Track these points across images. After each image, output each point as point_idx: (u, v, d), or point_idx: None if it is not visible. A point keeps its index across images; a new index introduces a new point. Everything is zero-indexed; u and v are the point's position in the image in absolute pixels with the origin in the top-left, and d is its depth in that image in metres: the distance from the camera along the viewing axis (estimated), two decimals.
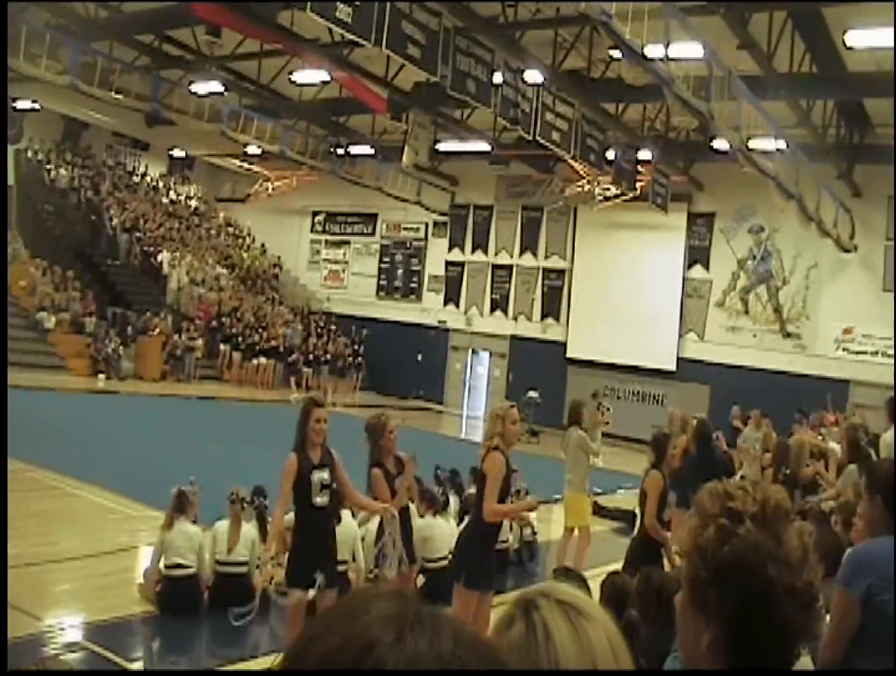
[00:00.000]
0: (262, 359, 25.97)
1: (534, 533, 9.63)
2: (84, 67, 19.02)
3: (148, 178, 32.54)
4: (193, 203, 33.46)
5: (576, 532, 8.97)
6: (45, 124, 28.86)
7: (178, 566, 6.36)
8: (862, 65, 15.34)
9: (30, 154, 28.83)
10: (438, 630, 0.76)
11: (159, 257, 28.00)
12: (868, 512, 3.41)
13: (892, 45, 12.87)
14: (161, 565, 6.48)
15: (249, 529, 6.83)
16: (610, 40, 11.08)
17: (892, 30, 12.18)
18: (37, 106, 26.36)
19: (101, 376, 21.82)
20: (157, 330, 24.38)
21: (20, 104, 26.66)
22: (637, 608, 4.17)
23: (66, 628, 5.84)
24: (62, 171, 29.07)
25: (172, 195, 32.88)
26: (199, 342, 25.36)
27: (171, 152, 31.70)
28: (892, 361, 19.74)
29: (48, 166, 28.88)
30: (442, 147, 22.59)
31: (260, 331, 26.75)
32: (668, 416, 12.15)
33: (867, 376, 19.97)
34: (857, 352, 20.97)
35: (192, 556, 6.47)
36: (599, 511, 11.77)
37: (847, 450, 8.67)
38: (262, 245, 33.18)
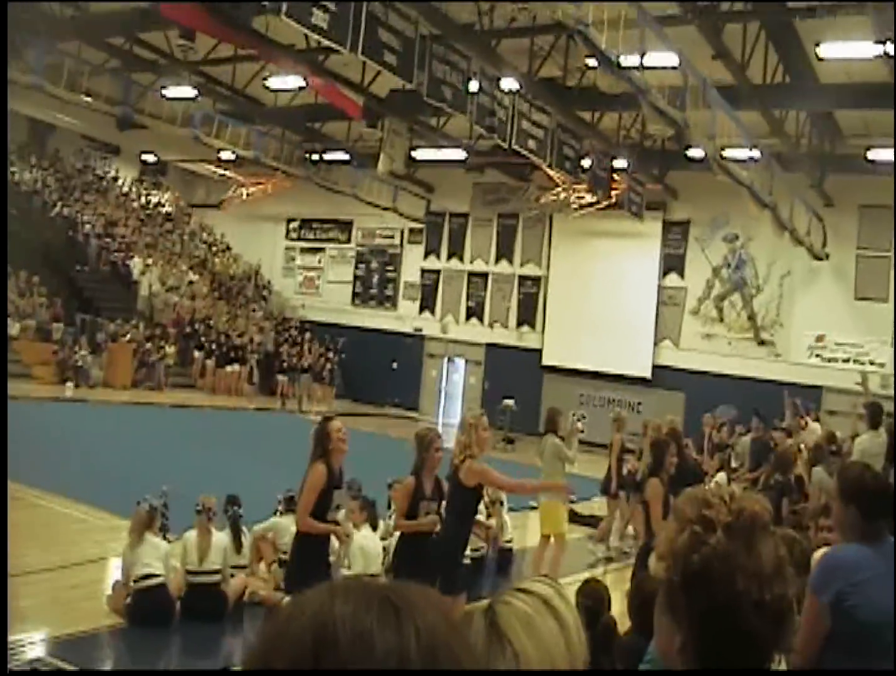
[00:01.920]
0: (236, 367, 25.84)
1: (509, 541, 9.66)
2: (50, 68, 18.87)
3: (119, 183, 32.31)
4: (166, 208, 33.27)
5: (552, 539, 9.01)
6: (10, 127, 28.53)
7: (148, 577, 6.30)
8: (833, 76, 15.56)
9: None
10: (403, 627, 0.75)
11: (131, 263, 27.79)
12: (839, 517, 3.47)
13: (862, 56, 13.07)
14: (130, 576, 6.41)
15: (221, 538, 6.79)
16: (586, 49, 11.16)
17: (862, 43, 12.36)
18: None
19: (69, 384, 21.57)
20: (128, 337, 24.17)
21: None
22: (629, 615, 4.18)
23: (29, 644, 5.73)
24: (27, 174, 28.77)
25: (144, 200, 32.66)
26: (172, 349, 25.20)
27: (143, 157, 31.46)
28: (863, 368, 19.97)
29: (13, 169, 28.56)
30: (418, 154, 22.64)
31: (234, 338, 26.64)
32: (642, 424, 12.29)
33: (839, 383, 20.18)
34: (830, 359, 21.23)
35: (161, 566, 6.42)
36: (575, 518, 11.82)
37: (811, 454, 8.81)
38: (229, 248, 33.05)
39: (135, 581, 6.33)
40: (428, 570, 5.36)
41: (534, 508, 10.18)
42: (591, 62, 13.30)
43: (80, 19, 18.24)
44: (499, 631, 1.24)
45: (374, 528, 7.57)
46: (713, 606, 1.35)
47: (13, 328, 22.59)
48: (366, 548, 7.24)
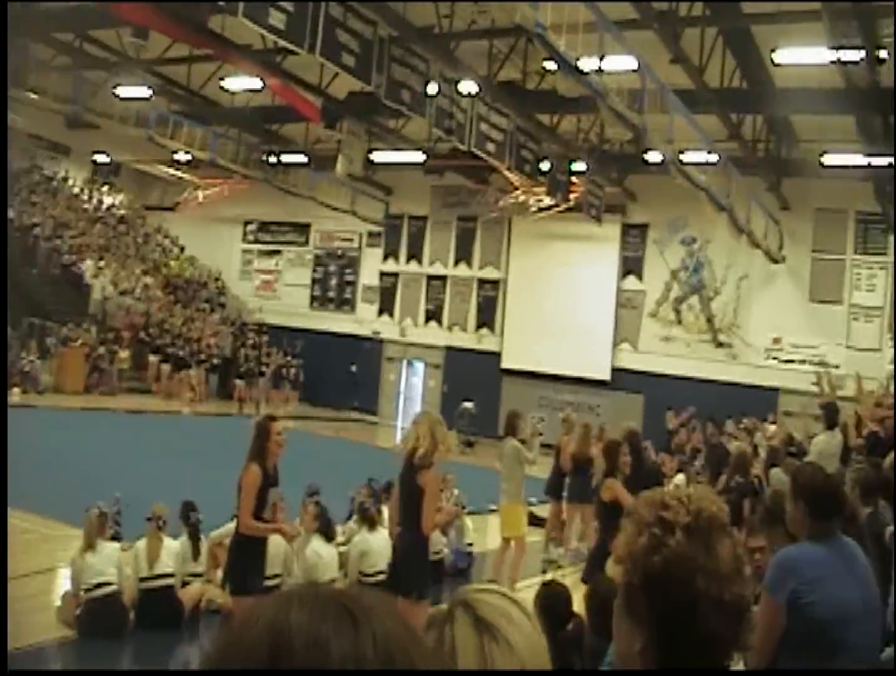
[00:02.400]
0: (193, 371, 25.60)
1: (470, 544, 9.68)
2: None
3: (70, 184, 31.81)
4: (119, 210, 32.83)
5: (512, 542, 9.04)
6: None
7: (99, 585, 6.20)
8: (789, 81, 15.83)
9: None
10: (360, 633, 0.75)
11: (82, 266, 27.40)
12: (792, 516, 3.53)
13: (817, 62, 13.31)
14: (80, 585, 6.29)
15: (173, 544, 6.71)
16: (545, 52, 11.23)
17: (817, 49, 12.58)
18: None
19: (17, 390, 21.18)
20: (80, 341, 23.83)
21: None
22: (586, 618, 4.22)
23: None
24: None
25: (97, 202, 32.17)
26: (126, 353, 24.88)
27: (94, 157, 31.01)
28: (817, 369, 20.33)
29: None
30: (376, 157, 22.61)
31: (190, 342, 26.38)
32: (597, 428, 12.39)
33: (795, 384, 20.51)
34: (786, 361, 21.56)
35: (114, 573, 6.31)
36: (535, 521, 11.88)
37: (768, 455, 8.96)
38: (184, 251, 32.74)
39: (86, 591, 6.22)
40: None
41: (494, 511, 10.21)
42: (550, 65, 13.40)
43: (28, 15, 17.95)
44: (486, 623, 1.23)
45: (329, 538, 7.53)
46: (674, 607, 1.36)
47: None
48: (319, 555, 7.21)
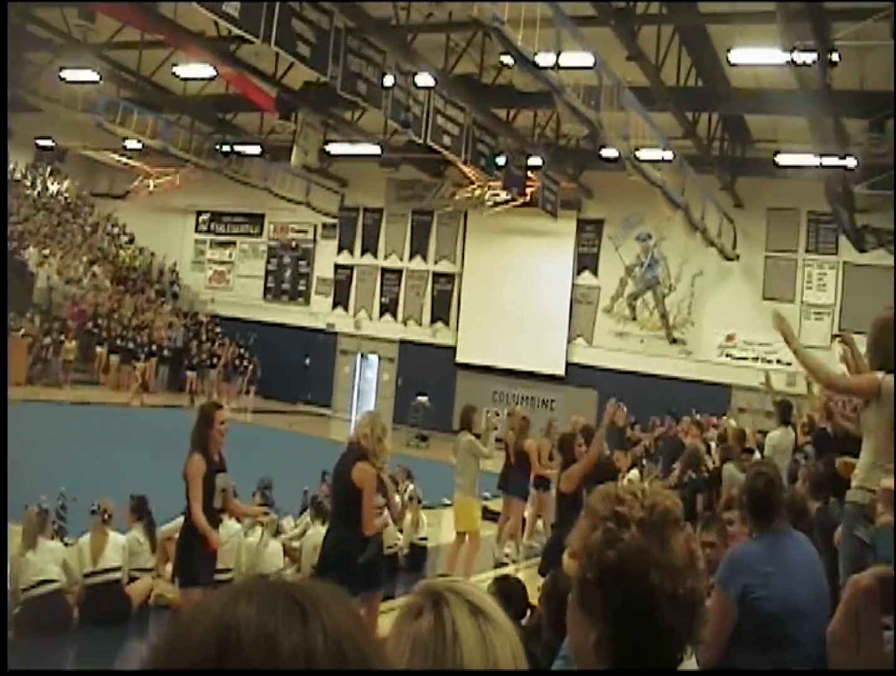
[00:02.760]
0: (143, 363, 25.27)
1: (424, 538, 9.70)
2: None
3: (11, 169, 31.10)
4: (65, 197, 32.25)
5: (466, 536, 9.08)
6: None
7: (42, 583, 6.06)
8: (744, 81, 16.05)
9: None
10: (309, 626, 0.75)
11: (25, 253, 26.86)
12: (744, 514, 3.61)
13: (771, 63, 13.50)
14: (19, 586, 6.17)
15: (119, 538, 6.61)
16: (501, 46, 11.26)
17: (771, 50, 12.77)
18: None
19: None
20: (22, 331, 23.39)
21: None
22: (542, 611, 4.25)
23: None
24: None
25: (41, 188, 31.54)
26: (72, 344, 24.47)
27: (38, 142, 30.35)
28: (770, 367, 20.72)
29: None
30: (332, 148, 22.50)
31: (140, 333, 26.06)
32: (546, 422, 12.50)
33: (748, 381, 20.85)
34: (739, 358, 21.90)
35: (57, 570, 6.20)
36: (489, 515, 11.93)
37: (721, 451, 9.10)
38: (133, 240, 32.31)
39: (24, 590, 6.09)
40: None
41: (448, 506, 10.24)
42: (507, 60, 13.42)
43: None
44: (479, 608, 1.25)
45: (273, 533, 7.50)
46: (629, 601, 1.37)
47: None
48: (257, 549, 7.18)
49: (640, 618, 1.37)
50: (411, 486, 10.01)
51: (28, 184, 31.17)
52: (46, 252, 27.44)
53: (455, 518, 9.21)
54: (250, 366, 27.48)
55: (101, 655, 6.18)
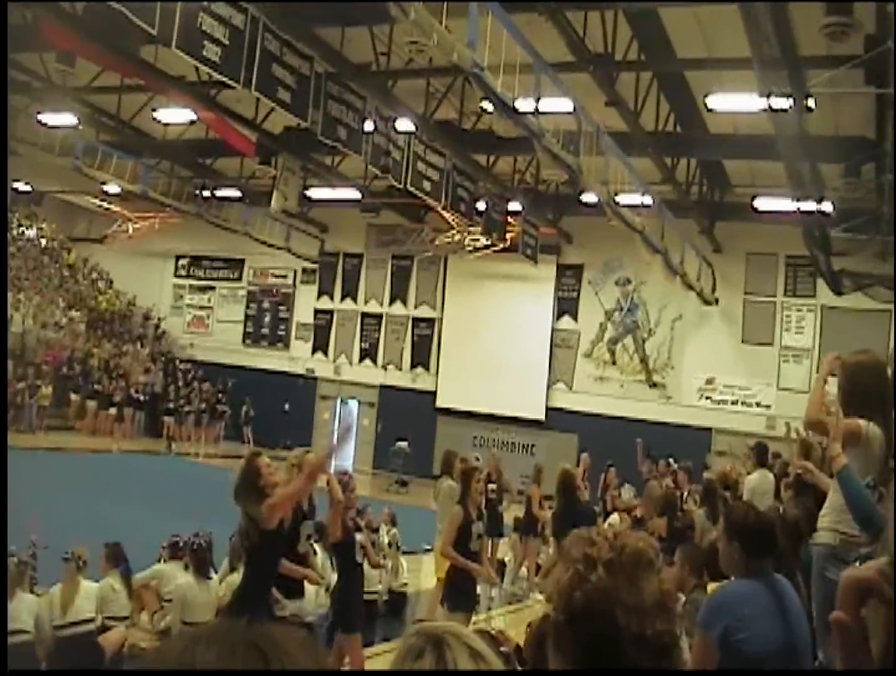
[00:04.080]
0: (120, 408, 25.05)
1: (404, 584, 9.60)
2: None
3: None
4: (42, 241, 32.14)
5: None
6: None
7: (15, 633, 5.94)
8: (722, 127, 16.31)
9: None
10: (270, 668, 0.75)
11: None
12: (725, 554, 3.59)
13: (748, 109, 13.75)
14: None
15: (92, 587, 6.50)
16: (481, 92, 11.40)
17: (748, 95, 13.00)
18: None
19: None
20: None
21: None
22: (529, 656, 4.19)
23: None
24: None
25: (17, 231, 31.43)
26: (47, 390, 24.24)
27: (15, 185, 30.31)
28: (750, 410, 20.85)
29: None
30: (312, 193, 22.59)
31: (117, 378, 25.87)
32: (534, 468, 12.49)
33: (728, 424, 20.92)
34: (719, 401, 21.98)
35: (30, 621, 6.08)
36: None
37: (702, 496, 9.09)
38: (112, 284, 32.20)
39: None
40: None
41: (429, 551, 10.16)
42: (487, 105, 13.59)
43: None
44: (478, 651, 1.25)
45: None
46: (595, 641, 1.38)
47: None
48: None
49: (606, 658, 1.38)
50: (392, 531, 9.93)
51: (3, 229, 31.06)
52: (21, 296, 27.28)
53: (436, 563, 9.12)
54: (228, 412, 27.32)
55: None
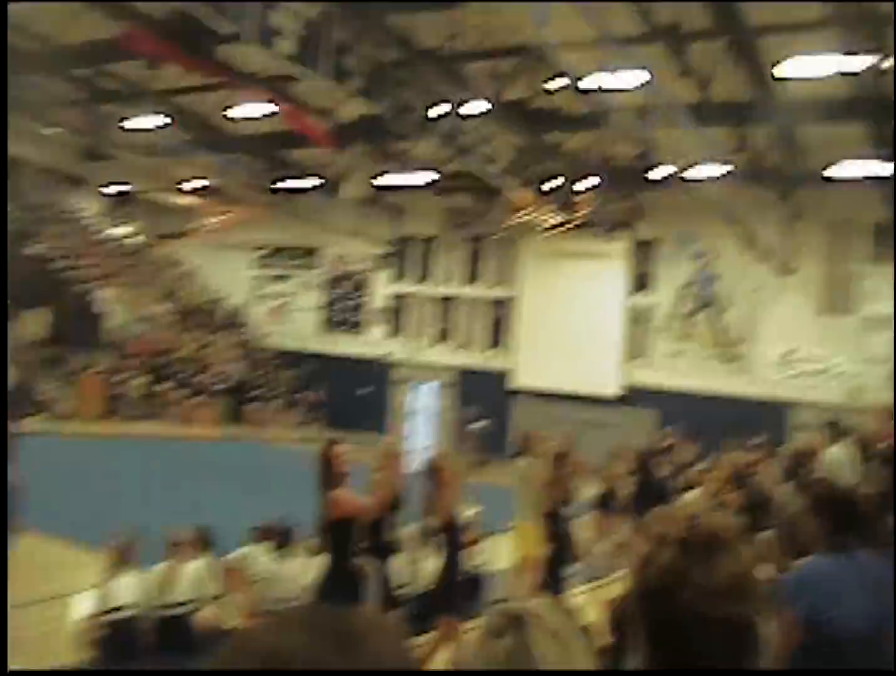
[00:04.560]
0: (206, 396, 25.61)
1: (483, 564, 9.59)
2: (16, 102, 18.78)
3: (84, 215, 32.01)
4: (133, 239, 33.01)
5: (527, 561, 8.95)
6: None
7: (118, 609, 6.22)
8: (797, 92, 15.80)
9: None
10: (356, 655, 0.75)
11: (97, 295, 27.50)
12: (807, 530, 3.49)
13: (822, 73, 13.31)
14: (100, 610, 6.31)
15: (191, 569, 6.70)
16: (551, 70, 11.26)
17: (821, 58, 12.59)
18: None
19: (39, 417, 21.24)
20: (97, 369, 23.92)
21: None
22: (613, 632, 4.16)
23: None
24: None
25: (110, 231, 32.37)
26: (140, 380, 24.93)
27: (108, 188, 31.23)
28: (831, 382, 20.30)
29: None
30: (385, 179, 22.67)
31: (203, 367, 26.41)
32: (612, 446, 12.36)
33: (808, 396, 20.42)
34: (799, 373, 21.44)
35: (132, 599, 6.33)
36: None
37: (784, 470, 8.88)
38: (196, 278, 32.86)
39: (105, 615, 6.23)
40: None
41: (508, 530, 10.13)
42: (557, 83, 13.43)
43: (44, 52, 18.17)
44: (555, 631, 1.26)
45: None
46: (663, 621, 1.35)
47: None
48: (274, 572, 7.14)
49: (673, 639, 1.34)
50: (473, 510, 9.92)
51: (99, 228, 31.98)
52: (116, 292, 28.02)
53: (514, 542, 9.10)
54: (310, 397, 27.71)
55: None
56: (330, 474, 5.26)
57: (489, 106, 15.23)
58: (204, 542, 7.17)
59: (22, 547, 9.23)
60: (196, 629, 6.53)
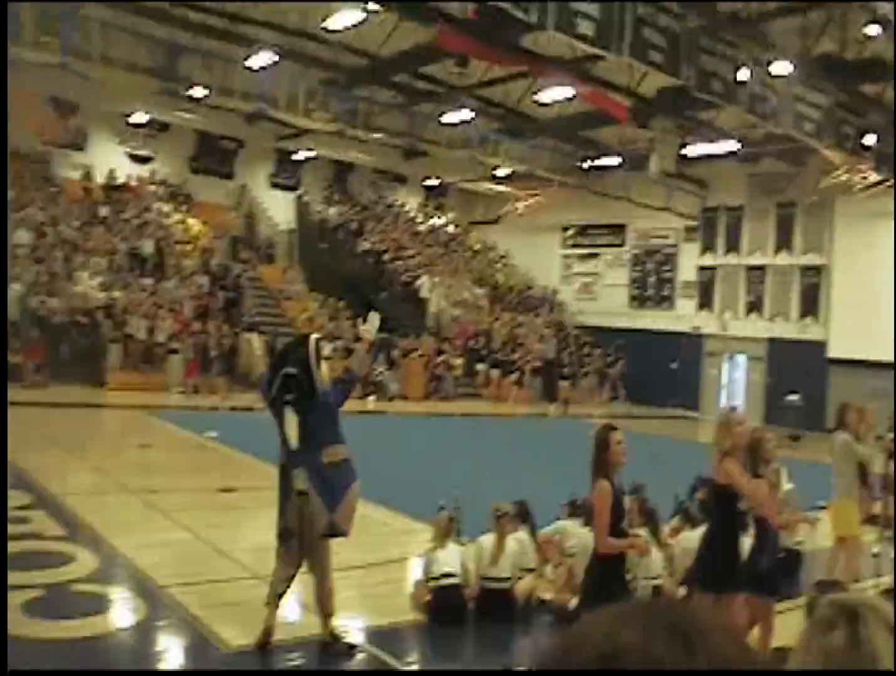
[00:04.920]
0: (519, 375, 26.03)
1: (799, 542, 8.84)
2: (349, 113, 20.18)
3: (406, 209, 33.83)
4: (448, 228, 34.39)
5: (845, 542, 8.13)
6: (318, 170, 30.86)
7: (446, 576, 6.37)
8: None
9: (305, 198, 30.87)
10: (694, 657, 0.68)
11: (418, 283, 28.87)
12: None
13: None
14: (429, 576, 6.51)
15: (510, 543, 6.74)
16: (866, 16, 10.10)
17: None
18: (312, 154, 28.26)
19: (371, 398, 22.72)
20: (420, 352, 25.07)
21: (300, 155, 28.74)
22: None
23: (350, 631, 5.93)
24: (331, 211, 30.85)
25: (429, 223, 33.94)
26: (459, 361, 25.82)
27: (426, 182, 32.80)
28: None
29: (320, 208, 30.78)
30: (689, 150, 21.73)
31: (516, 347, 26.90)
32: None
33: None
34: None
35: (458, 569, 6.47)
36: (870, 519, 10.61)
37: None
38: (508, 260, 33.53)
39: (433, 580, 6.41)
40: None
41: (823, 509, 9.26)
42: (873, 30, 12.05)
43: (370, 64, 19.33)
44: (867, 640, 1.11)
45: (654, 535, 7.11)
46: None
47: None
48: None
49: None
50: (787, 486, 9.18)
51: (419, 220, 33.70)
52: (436, 279, 29.30)
53: (833, 522, 8.28)
54: (617, 373, 27.42)
55: (490, 648, 6.27)
56: (603, 461, 4.94)
57: (797, 63, 14.01)
58: (523, 516, 7.18)
59: (361, 515, 9.83)
60: (515, 600, 6.55)
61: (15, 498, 8.82)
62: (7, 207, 19.66)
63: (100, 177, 26.28)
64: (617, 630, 0.71)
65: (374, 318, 6.19)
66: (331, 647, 5.55)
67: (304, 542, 5.58)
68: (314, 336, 5.80)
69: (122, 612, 6.05)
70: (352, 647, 5.63)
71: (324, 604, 5.63)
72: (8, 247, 18.17)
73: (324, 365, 5.68)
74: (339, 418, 5.72)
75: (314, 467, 5.51)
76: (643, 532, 6.38)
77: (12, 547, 7.06)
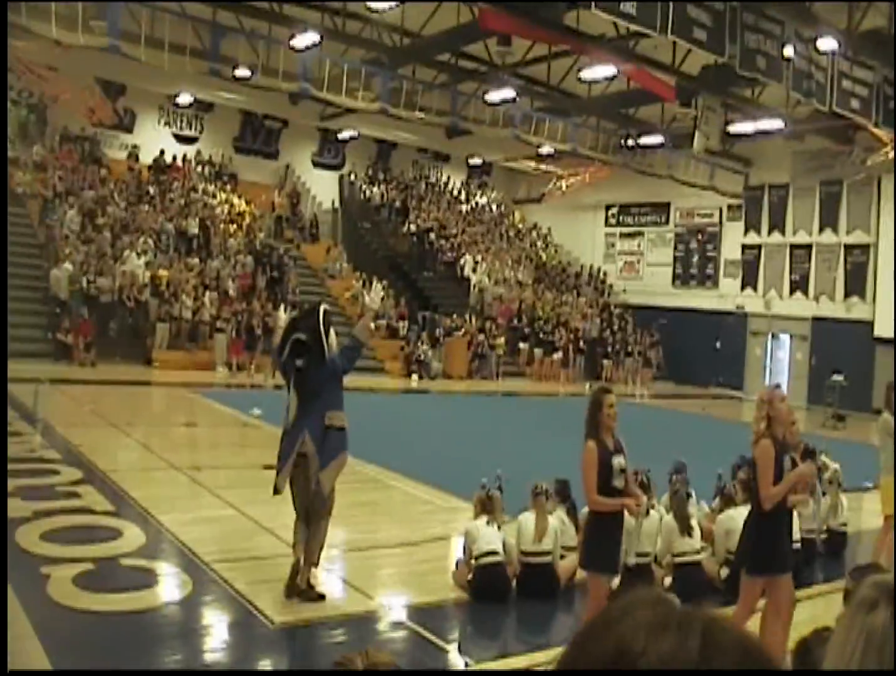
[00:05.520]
0: (563, 354, 25.91)
1: (844, 524, 8.72)
2: (392, 92, 20.12)
3: (449, 188, 33.72)
4: (492, 207, 34.23)
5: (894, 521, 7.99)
6: (361, 149, 30.89)
7: (487, 554, 6.38)
8: None
9: (352, 177, 30.93)
10: (689, 632, 0.70)
11: (462, 262, 28.81)
12: None
13: None
14: (471, 555, 6.52)
15: (552, 521, 6.73)
16: None
17: None
18: (355, 134, 28.28)
19: (415, 376, 22.78)
20: (463, 331, 25.05)
21: (344, 134, 28.78)
22: None
23: (392, 608, 6.01)
24: (374, 190, 30.86)
25: (472, 202, 33.80)
26: (501, 340, 25.77)
27: (469, 161, 32.65)
28: None
29: (363, 187, 30.81)
30: (733, 128, 21.33)
31: (559, 326, 26.80)
32: None
33: None
34: None
35: (500, 546, 6.47)
36: None
37: None
38: (551, 239, 33.31)
39: (476, 558, 6.42)
40: None
41: (869, 489, 9.11)
42: None
43: (414, 44, 19.24)
44: None
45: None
46: None
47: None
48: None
49: None
50: (832, 467, 9.05)
51: (462, 199, 33.57)
52: (479, 258, 29.21)
53: (882, 500, 8.14)
54: (662, 351, 27.19)
55: (534, 626, 6.29)
56: (595, 422, 5.08)
57: (843, 40, 13.66)
58: (563, 495, 7.17)
59: (404, 493, 9.90)
60: (558, 578, 6.54)
61: (66, 473, 9.04)
62: (7, 207, 19.85)
63: (146, 158, 26.61)
64: (630, 622, 0.72)
65: (378, 289, 6.76)
66: (304, 594, 5.90)
67: (304, 499, 5.98)
68: (323, 306, 6.20)
69: (168, 587, 6.15)
70: (321, 597, 5.95)
71: (312, 554, 6.01)
72: (7, 247, 18.36)
73: (332, 333, 6.05)
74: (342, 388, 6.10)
75: (316, 428, 5.90)
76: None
77: (63, 521, 7.24)
